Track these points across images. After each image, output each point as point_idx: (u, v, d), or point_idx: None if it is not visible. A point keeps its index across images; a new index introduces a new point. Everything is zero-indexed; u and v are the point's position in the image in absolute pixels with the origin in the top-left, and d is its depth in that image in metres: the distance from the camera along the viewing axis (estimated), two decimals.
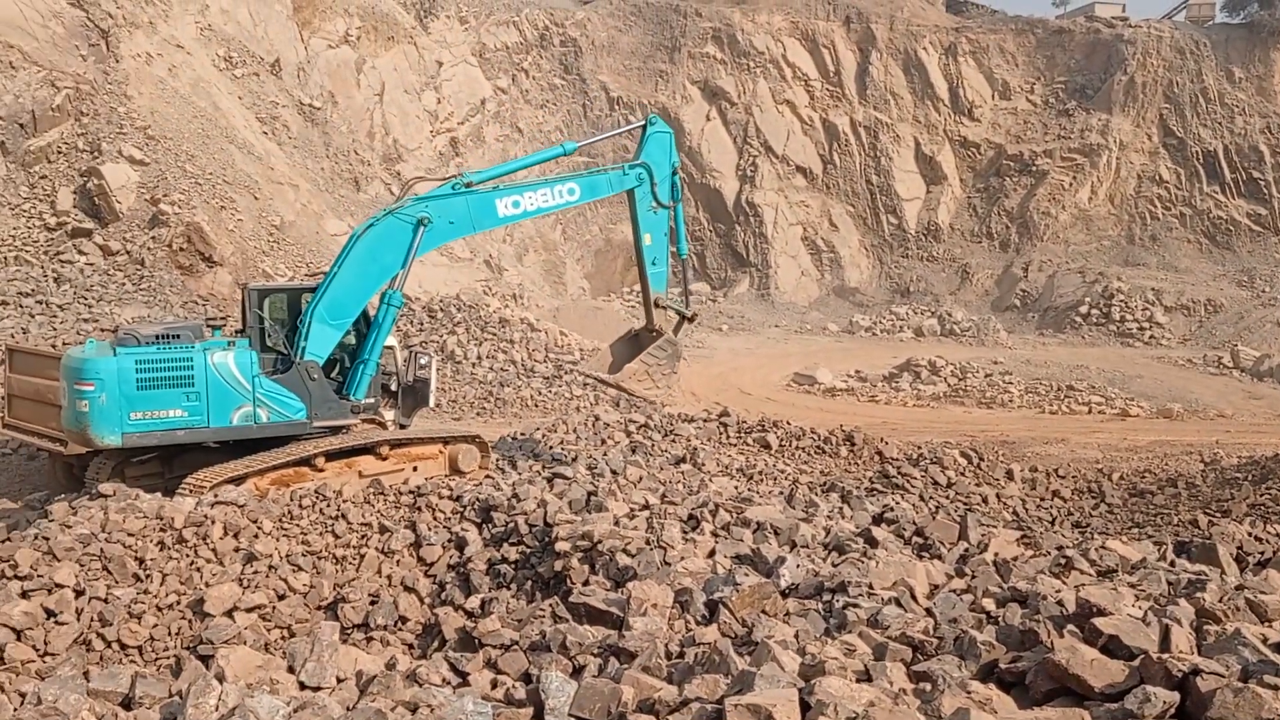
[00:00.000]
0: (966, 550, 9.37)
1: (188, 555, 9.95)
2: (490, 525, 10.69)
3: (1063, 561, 8.15)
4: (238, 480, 12.33)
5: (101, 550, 9.61)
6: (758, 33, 56.42)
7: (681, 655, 6.47)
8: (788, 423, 19.65)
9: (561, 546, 9.31)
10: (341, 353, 14.05)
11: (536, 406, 25.60)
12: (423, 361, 15.11)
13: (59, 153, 29.51)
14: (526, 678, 6.80)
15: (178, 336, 12.92)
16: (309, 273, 28.62)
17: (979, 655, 5.47)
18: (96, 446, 12.58)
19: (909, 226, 54.90)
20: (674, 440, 17.60)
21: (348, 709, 6.03)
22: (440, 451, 14.56)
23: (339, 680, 7.02)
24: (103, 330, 21.99)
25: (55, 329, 23.55)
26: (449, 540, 10.53)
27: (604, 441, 17.60)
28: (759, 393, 32.32)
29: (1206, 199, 53.06)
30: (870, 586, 7.33)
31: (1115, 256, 52.38)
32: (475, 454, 14.76)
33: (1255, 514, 14.62)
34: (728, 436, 18.71)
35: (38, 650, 8.53)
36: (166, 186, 29.15)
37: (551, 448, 17.14)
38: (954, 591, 7.32)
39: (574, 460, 15.07)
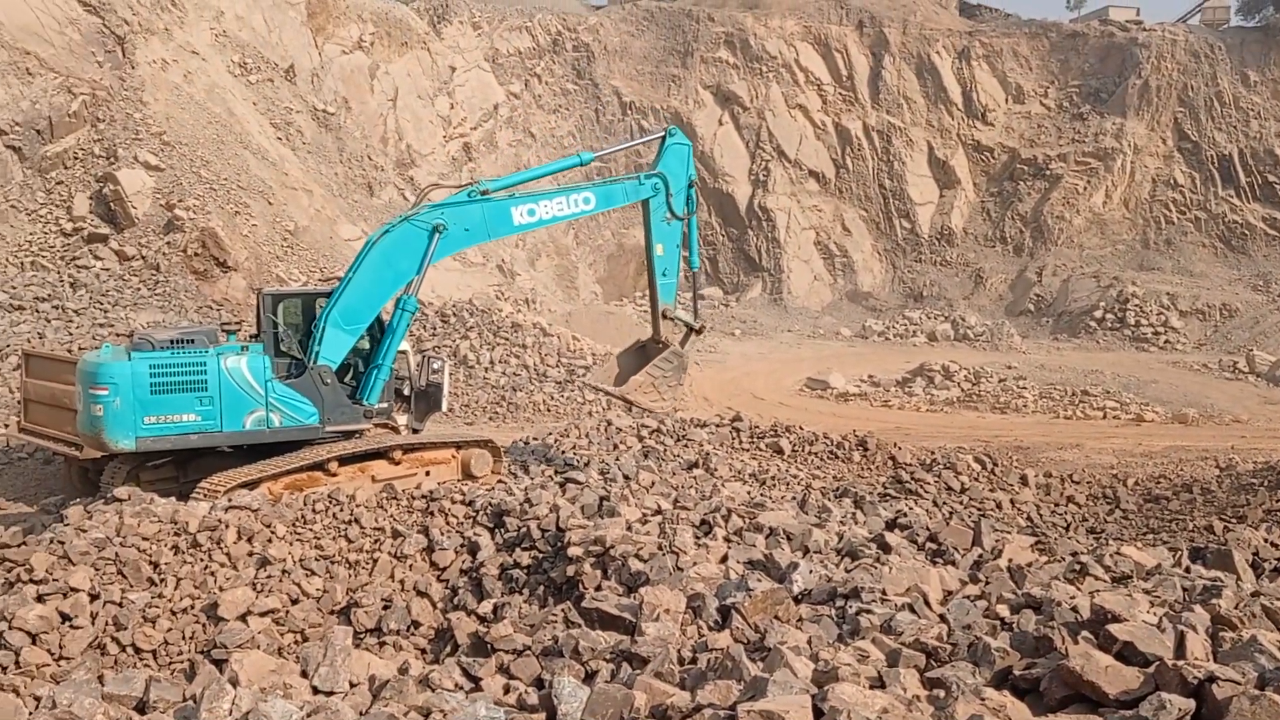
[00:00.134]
0: (980, 556, 9.33)
1: (202, 559, 9.99)
2: (503, 530, 10.70)
3: (1077, 567, 8.11)
4: (251, 485, 12.38)
5: (116, 554, 9.65)
6: (770, 37, 56.41)
7: (694, 661, 6.45)
8: (800, 428, 19.62)
9: (574, 551, 9.30)
10: (355, 357, 14.10)
11: (549, 411, 25.63)
12: (435, 366, 15.15)
13: (75, 158, 29.72)
14: (539, 683, 6.80)
15: (192, 341, 13.00)
16: (323, 278, 28.73)
17: (993, 662, 5.45)
18: (111, 451, 12.66)
19: (922, 231, 54.75)
20: (686, 445, 17.59)
21: (361, 714, 6.04)
22: (453, 456, 14.60)
23: (352, 685, 7.03)
24: (118, 335, 22.11)
25: (71, 334, 23.70)
26: (461, 545, 10.54)
27: (616, 446, 17.61)
28: (771, 398, 32.28)
29: (1221, 203, 52.78)
30: (883, 592, 7.30)
31: (1130, 261, 52.12)
32: (488, 459, 14.79)
33: (1271, 520, 14.51)
34: (740, 441, 18.70)
35: (53, 654, 8.58)
36: (181, 192, 29.32)
37: (564, 452, 17.16)
38: (968, 598, 7.29)
39: (586, 465, 15.09)
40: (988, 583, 7.85)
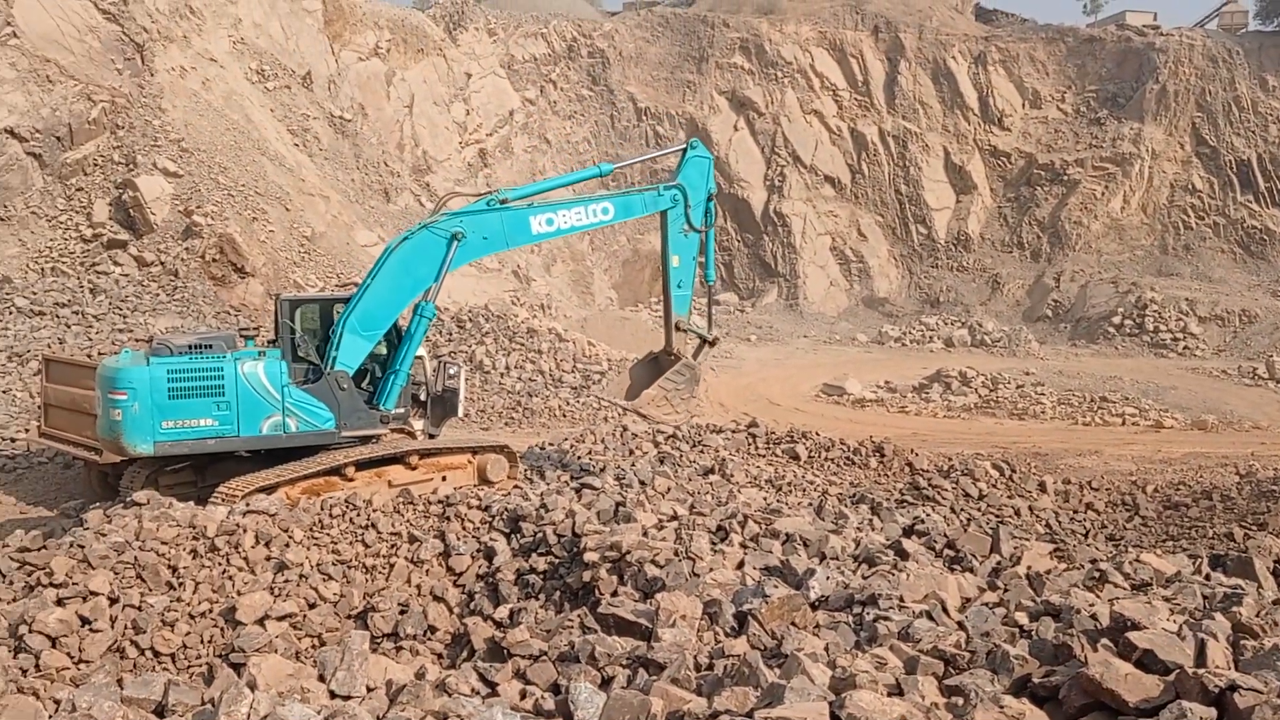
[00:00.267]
0: (999, 563, 9.28)
1: (220, 563, 10.03)
2: (519, 535, 10.70)
3: (1096, 575, 8.06)
4: (269, 489, 12.44)
5: (135, 558, 9.70)
6: (785, 43, 56.40)
7: (710, 667, 6.44)
8: (817, 434, 19.57)
9: (590, 557, 9.30)
10: (372, 363, 14.15)
11: (564, 416, 25.64)
12: (451, 371, 15.18)
13: (95, 165, 29.96)
14: (555, 688, 6.80)
15: (210, 346, 13.07)
16: (340, 283, 28.88)
17: (1012, 669, 5.42)
18: (129, 455, 12.75)
19: (939, 236, 54.58)
20: (702, 451, 17.57)
21: (377, 718, 6.06)
22: (469, 461, 14.63)
23: (369, 689, 7.05)
24: (137, 340, 22.25)
25: (91, 339, 23.87)
26: (478, 550, 10.55)
27: (632, 452, 17.61)
28: (787, 403, 32.20)
29: (1240, 208, 52.43)
30: (901, 599, 7.27)
31: (1148, 266, 51.83)
32: (504, 464, 14.82)
33: None
34: (756, 447, 18.66)
35: (72, 657, 8.62)
36: (200, 198, 29.51)
37: (580, 458, 17.17)
38: (986, 605, 7.26)
39: (602, 470, 15.09)
40: (1006, 590, 7.81)
